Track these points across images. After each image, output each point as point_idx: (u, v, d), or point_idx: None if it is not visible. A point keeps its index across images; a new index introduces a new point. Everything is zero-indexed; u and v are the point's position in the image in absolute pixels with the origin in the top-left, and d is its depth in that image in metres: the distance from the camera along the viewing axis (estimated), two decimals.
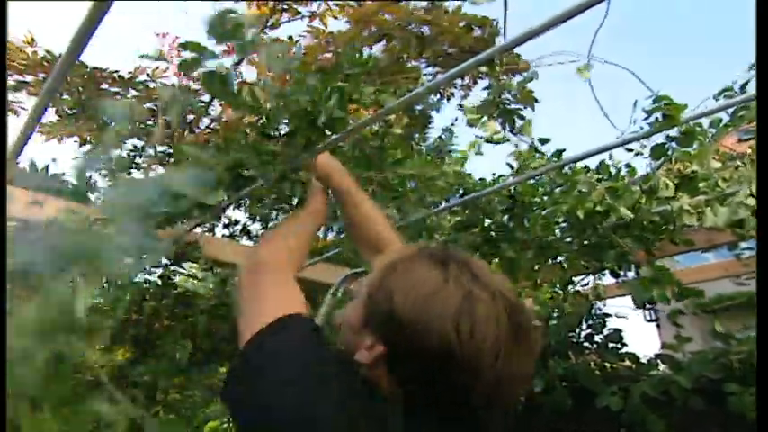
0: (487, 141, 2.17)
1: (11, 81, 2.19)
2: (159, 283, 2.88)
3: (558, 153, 1.93)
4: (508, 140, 2.17)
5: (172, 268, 2.86)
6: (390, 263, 0.77)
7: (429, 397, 0.69)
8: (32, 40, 2.18)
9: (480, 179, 2.38)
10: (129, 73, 2.12)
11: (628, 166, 2.01)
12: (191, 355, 4.49)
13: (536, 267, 2.86)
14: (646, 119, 1.50)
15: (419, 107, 3.04)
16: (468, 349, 0.65)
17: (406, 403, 0.70)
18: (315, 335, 0.78)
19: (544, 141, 2.07)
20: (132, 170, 2.73)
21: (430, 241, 2.54)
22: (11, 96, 2.33)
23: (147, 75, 2.12)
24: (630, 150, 1.90)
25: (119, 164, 2.51)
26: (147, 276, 2.91)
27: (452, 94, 2.76)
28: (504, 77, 2.39)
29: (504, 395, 0.69)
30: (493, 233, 2.46)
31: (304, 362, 0.72)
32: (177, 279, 3.08)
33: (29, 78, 2.18)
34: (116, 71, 2.07)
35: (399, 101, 1.38)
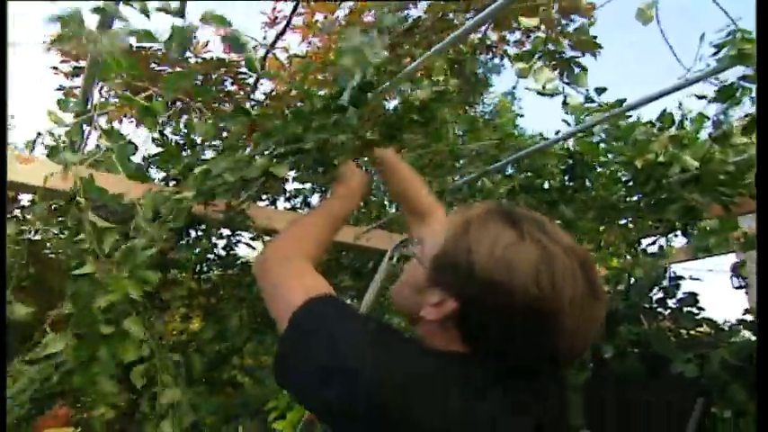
0: (540, 94, 2.02)
1: (68, 67, 2.29)
2: (223, 253, 2.98)
3: (619, 102, 1.75)
4: (561, 93, 2.01)
5: (235, 239, 2.96)
6: (463, 221, 0.77)
7: (500, 352, 0.70)
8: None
9: (534, 135, 2.23)
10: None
11: (698, 115, 1.80)
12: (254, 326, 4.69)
13: (600, 229, 2.68)
14: (715, 54, 1.32)
15: (478, 71, 2.91)
16: (548, 302, 0.66)
17: (471, 360, 0.71)
18: (353, 308, 0.82)
19: (601, 91, 1.90)
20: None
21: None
22: (71, 82, 2.44)
23: (190, 51, 2.15)
24: (703, 97, 1.69)
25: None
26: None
27: (506, 51, 2.59)
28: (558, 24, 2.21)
29: (577, 349, 0.70)
30: (551, 195, 2.33)
31: (359, 322, 0.76)
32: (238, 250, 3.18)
33: (83, 63, 2.27)
34: (159, 49, 2.11)
35: (434, 48, 1.29)
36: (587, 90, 1.92)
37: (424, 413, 0.63)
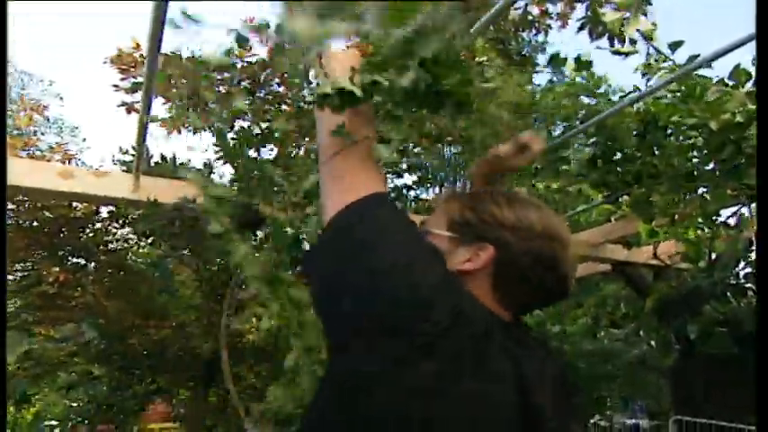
0: (615, 53, 1.90)
1: (127, 84, 2.41)
2: None
3: (691, 59, 1.59)
4: (636, 52, 1.89)
5: None
6: (461, 196, 0.92)
7: (528, 294, 0.83)
8: (138, 45, 2.34)
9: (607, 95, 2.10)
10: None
11: None
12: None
13: (675, 200, 2.49)
14: None
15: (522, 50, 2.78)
16: (558, 239, 0.82)
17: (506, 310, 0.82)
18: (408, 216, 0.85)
19: (676, 46, 1.75)
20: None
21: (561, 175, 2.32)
22: (130, 98, 2.56)
23: (235, 55, 2.19)
24: None
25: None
26: None
27: (549, 26, 2.45)
28: None
29: (572, 279, 0.86)
30: (620, 168, 2.18)
31: (410, 230, 0.80)
32: None
33: (141, 79, 2.37)
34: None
35: (474, 27, 1.23)
36: (656, 50, 1.78)
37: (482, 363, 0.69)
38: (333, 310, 0.74)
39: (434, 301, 0.68)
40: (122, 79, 2.52)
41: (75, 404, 5.54)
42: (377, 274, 0.70)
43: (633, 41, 1.93)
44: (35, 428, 4.91)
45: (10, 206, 3.34)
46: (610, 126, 1.86)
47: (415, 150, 4.37)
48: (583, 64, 1.98)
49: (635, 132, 1.90)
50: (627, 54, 1.92)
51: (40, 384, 4.46)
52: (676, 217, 2.50)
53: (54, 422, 5.25)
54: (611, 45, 1.98)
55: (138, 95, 2.59)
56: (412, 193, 5.53)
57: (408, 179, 5.48)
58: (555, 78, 2.65)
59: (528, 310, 0.92)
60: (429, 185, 5.81)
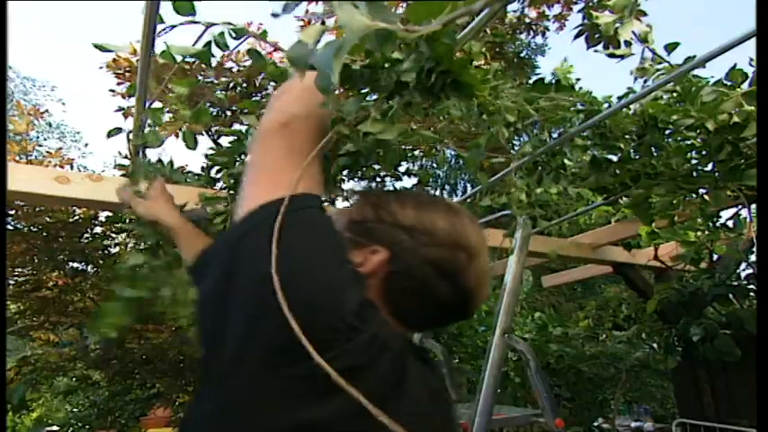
0: (611, 56, 1.89)
1: (122, 89, 2.40)
2: None
3: (689, 59, 1.58)
4: (632, 54, 1.87)
5: None
6: (380, 191, 0.89)
7: (422, 304, 0.73)
8: (135, 50, 2.34)
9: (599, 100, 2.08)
10: (218, 61, 2.21)
11: None
12: None
13: (674, 202, 2.47)
14: None
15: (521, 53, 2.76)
16: (465, 255, 0.73)
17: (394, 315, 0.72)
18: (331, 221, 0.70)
19: (673, 47, 1.73)
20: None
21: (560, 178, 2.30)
22: (127, 102, 2.56)
23: (232, 60, 2.19)
24: None
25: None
26: None
27: (546, 29, 2.44)
28: None
29: (483, 294, 0.77)
30: (620, 170, 2.16)
31: (330, 235, 0.65)
32: None
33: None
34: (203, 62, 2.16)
35: (467, 29, 1.21)
36: (652, 51, 1.77)
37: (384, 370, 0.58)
38: (224, 327, 0.57)
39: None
40: (118, 84, 2.52)
41: (75, 409, 5.54)
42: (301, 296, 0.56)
43: (629, 43, 1.92)
44: None
45: (8, 211, 3.34)
46: (608, 127, 1.85)
47: (415, 153, 4.36)
48: (564, 87, 1.95)
49: (633, 133, 1.88)
50: (622, 57, 1.90)
51: (39, 390, 4.46)
52: (676, 218, 2.48)
53: (55, 427, 5.25)
54: (607, 48, 1.96)
55: (132, 99, 2.59)
56: None
57: (408, 182, 5.50)
58: (554, 81, 2.64)
59: (426, 328, 0.83)
60: (429, 189, 5.82)
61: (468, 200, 2.81)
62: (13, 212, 3.41)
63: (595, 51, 2.01)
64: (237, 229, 0.64)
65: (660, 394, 6.28)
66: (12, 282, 3.82)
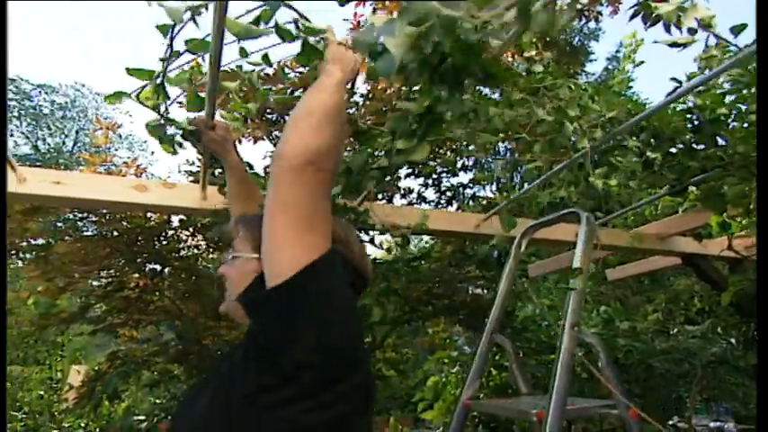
0: (672, 45, 1.82)
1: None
2: None
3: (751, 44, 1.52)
4: (695, 41, 1.80)
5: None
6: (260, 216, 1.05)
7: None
8: (198, 63, 2.48)
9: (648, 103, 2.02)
10: (274, 69, 2.30)
11: None
12: (398, 316, 4.85)
13: (747, 190, 2.35)
14: None
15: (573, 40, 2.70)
16: (347, 242, 1.05)
17: None
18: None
19: (739, 29, 1.65)
20: None
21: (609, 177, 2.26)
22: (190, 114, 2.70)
23: (287, 66, 2.28)
24: None
25: None
26: None
27: (599, 14, 2.37)
28: None
29: (368, 274, 1.11)
30: (680, 163, 2.09)
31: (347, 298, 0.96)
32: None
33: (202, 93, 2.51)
34: (262, 69, 2.27)
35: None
36: (717, 36, 1.69)
37: None
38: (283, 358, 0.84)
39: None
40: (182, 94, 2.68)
41: (158, 400, 5.92)
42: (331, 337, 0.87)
43: (692, 31, 1.84)
44: (126, 422, 5.31)
45: (93, 218, 3.64)
46: (658, 122, 1.80)
47: (470, 148, 4.35)
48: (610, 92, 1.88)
49: (689, 125, 1.81)
50: (684, 45, 1.82)
51: (128, 381, 4.83)
52: (751, 206, 2.36)
53: (141, 417, 5.63)
54: (668, 32, 1.88)
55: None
56: (468, 191, 5.52)
57: (464, 177, 5.48)
58: (610, 66, 2.57)
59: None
60: (485, 183, 5.77)
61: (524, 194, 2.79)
62: (95, 219, 3.71)
63: (654, 42, 1.94)
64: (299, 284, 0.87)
65: (742, 392, 5.91)
66: (98, 284, 4.16)
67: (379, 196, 4.00)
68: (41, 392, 5.12)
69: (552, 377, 1.69)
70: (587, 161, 1.85)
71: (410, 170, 4.49)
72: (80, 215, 3.73)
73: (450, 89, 1.25)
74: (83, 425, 4.88)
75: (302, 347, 0.83)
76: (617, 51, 9.91)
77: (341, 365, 0.86)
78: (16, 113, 17.68)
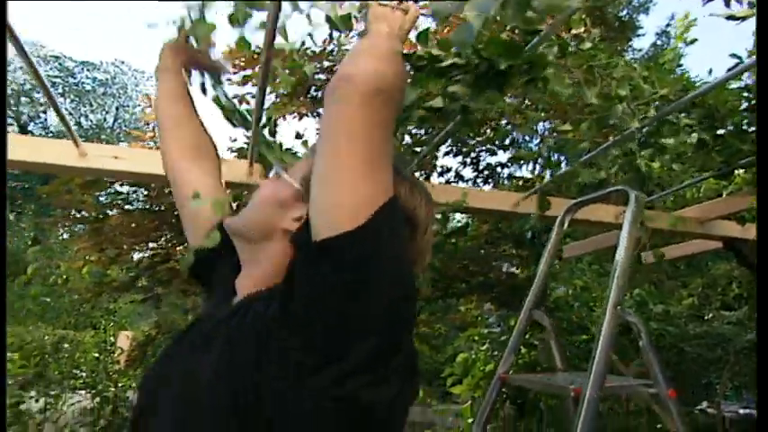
0: (730, 18, 1.77)
1: (238, 77, 2.64)
2: None
3: None
4: (754, 14, 1.76)
5: None
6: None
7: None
8: (248, 44, 2.58)
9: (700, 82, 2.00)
10: (319, 47, 2.37)
11: None
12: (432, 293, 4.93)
13: None
14: None
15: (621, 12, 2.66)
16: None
17: None
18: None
19: None
20: None
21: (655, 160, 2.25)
22: (240, 90, 2.80)
23: (335, 44, 2.34)
24: None
25: None
26: None
27: None
28: None
29: None
30: (729, 146, 2.06)
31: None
32: None
33: (249, 72, 2.60)
34: (307, 48, 2.33)
35: None
36: None
37: None
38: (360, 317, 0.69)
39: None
40: (234, 73, 2.79)
41: None
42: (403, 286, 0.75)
43: (753, 4, 1.78)
44: None
45: (143, 192, 3.80)
46: (713, 100, 1.78)
47: (508, 127, 4.35)
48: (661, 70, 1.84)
49: (743, 107, 1.79)
50: (743, 18, 1.77)
51: None
52: None
53: None
54: (727, 5, 1.82)
55: (246, 87, 2.83)
56: (506, 171, 5.51)
57: (503, 156, 5.46)
58: (659, 41, 2.52)
59: None
60: (526, 162, 5.73)
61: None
62: (146, 194, 3.87)
63: (710, 15, 1.90)
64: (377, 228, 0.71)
65: None
66: (146, 255, 4.35)
67: (416, 174, 4.05)
68: (96, 354, 5.46)
69: (593, 354, 1.73)
70: (635, 141, 1.85)
71: (449, 148, 4.52)
72: (131, 189, 3.89)
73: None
74: (133, 385, 5.19)
75: (375, 305, 0.69)
76: (666, 26, 9.38)
77: (401, 330, 0.74)
78: (61, 90, 18.24)
